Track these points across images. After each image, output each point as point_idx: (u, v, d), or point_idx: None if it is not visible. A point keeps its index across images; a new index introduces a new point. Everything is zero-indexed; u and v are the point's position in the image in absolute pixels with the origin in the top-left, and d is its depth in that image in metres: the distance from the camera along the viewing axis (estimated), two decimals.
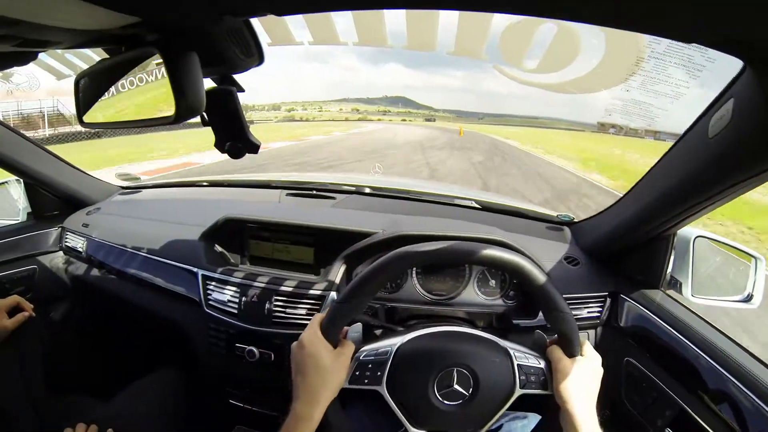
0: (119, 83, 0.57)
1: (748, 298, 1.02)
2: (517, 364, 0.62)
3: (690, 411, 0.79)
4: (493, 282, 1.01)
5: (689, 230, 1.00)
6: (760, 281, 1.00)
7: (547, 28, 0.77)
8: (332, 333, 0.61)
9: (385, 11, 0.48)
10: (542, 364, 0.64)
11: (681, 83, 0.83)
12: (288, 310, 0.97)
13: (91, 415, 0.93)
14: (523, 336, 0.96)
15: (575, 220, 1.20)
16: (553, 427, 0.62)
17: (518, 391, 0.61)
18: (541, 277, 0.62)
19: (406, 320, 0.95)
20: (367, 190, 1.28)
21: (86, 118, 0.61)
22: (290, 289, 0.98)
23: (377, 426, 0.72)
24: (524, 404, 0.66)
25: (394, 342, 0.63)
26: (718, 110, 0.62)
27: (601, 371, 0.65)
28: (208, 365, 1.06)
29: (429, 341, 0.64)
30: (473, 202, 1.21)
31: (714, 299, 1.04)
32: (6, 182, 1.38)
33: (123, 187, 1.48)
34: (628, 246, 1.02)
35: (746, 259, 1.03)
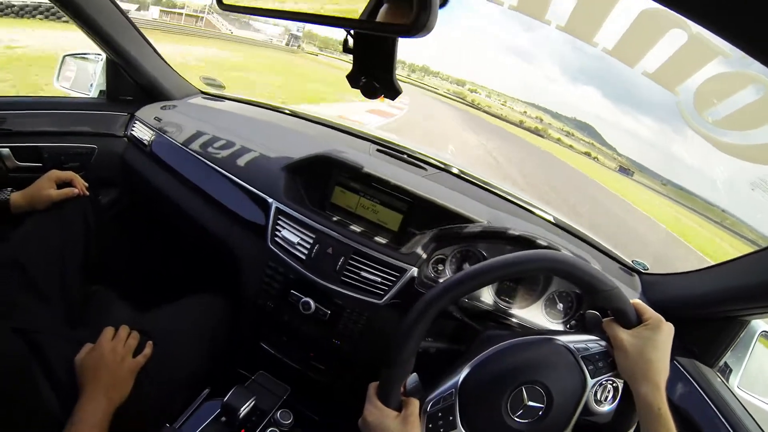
0: None
1: None
2: (581, 357, 0.61)
3: None
4: (560, 306, 0.99)
5: (758, 323, 1.00)
6: None
7: (755, 87, 0.75)
8: (392, 399, 0.59)
9: None
10: (604, 345, 0.63)
11: None
12: (362, 273, 0.92)
13: (124, 318, 0.90)
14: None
15: (649, 272, 1.19)
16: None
17: (591, 382, 0.61)
18: (580, 264, 0.61)
19: (473, 315, 0.92)
20: (455, 170, 1.22)
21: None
22: (371, 251, 0.93)
23: None
24: None
25: (454, 381, 0.61)
26: None
27: (666, 337, 0.61)
28: (255, 302, 1.02)
29: (488, 367, 0.62)
30: (551, 217, 1.19)
31: (756, 398, 1.05)
32: (87, 54, 1.32)
33: (203, 93, 1.42)
34: (701, 317, 1.01)
35: None
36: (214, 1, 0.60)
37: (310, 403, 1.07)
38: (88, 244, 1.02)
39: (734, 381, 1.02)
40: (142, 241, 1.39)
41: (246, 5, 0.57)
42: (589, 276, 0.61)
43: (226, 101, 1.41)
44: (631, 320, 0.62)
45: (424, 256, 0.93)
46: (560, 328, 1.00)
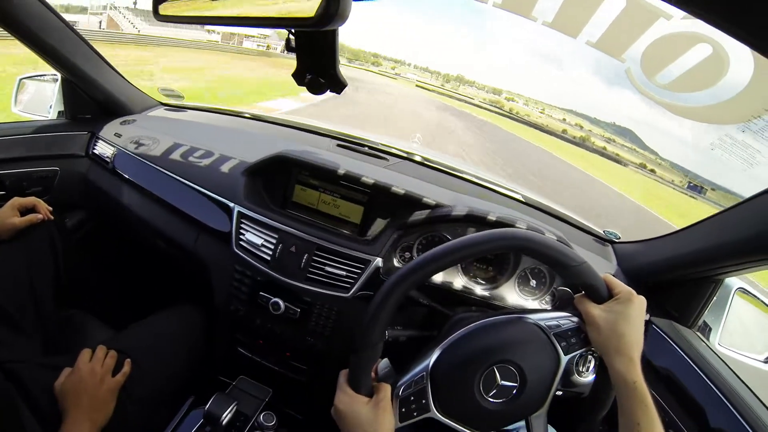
0: None
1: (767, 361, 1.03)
2: (553, 334, 0.61)
3: None
4: (533, 282, 0.99)
5: (733, 280, 1.00)
6: None
7: (701, 47, 0.74)
8: (362, 385, 0.59)
9: None
10: (576, 321, 0.63)
11: None
12: (327, 268, 0.92)
13: (100, 339, 0.89)
14: None
15: (621, 240, 1.19)
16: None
17: (564, 359, 0.60)
18: (546, 241, 0.60)
19: (439, 298, 0.92)
20: (418, 158, 1.22)
21: (163, 9, 0.55)
22: (334, 246, 0.93)
23: None
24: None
25: (425, 365, 0.60)
26: None
27: (638, 310, 0.60)
28: (227, 308, 1.02)
29: (458, 349, 0.62)
30: (520, 195, 1.17)
31: (737, 352, 1.05)
32: (43, 75, 1.31)
33: (164, 104, 1.40)
34: (674, 280, 1.01)
35: None
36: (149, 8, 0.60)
37: (293, 403, 1.07)
38: (58, 269, 1.01)
39: (715, 339, 1.02)
40: (112, 259, 1.38)
41: (181, 14, 0.57)
42: (556, 252, 0.60)
43: (188, 110, 1.40)
44: (602, 295, 0.61)
45: (388, 245, 0.93)
46: (535, 304, 1.00)
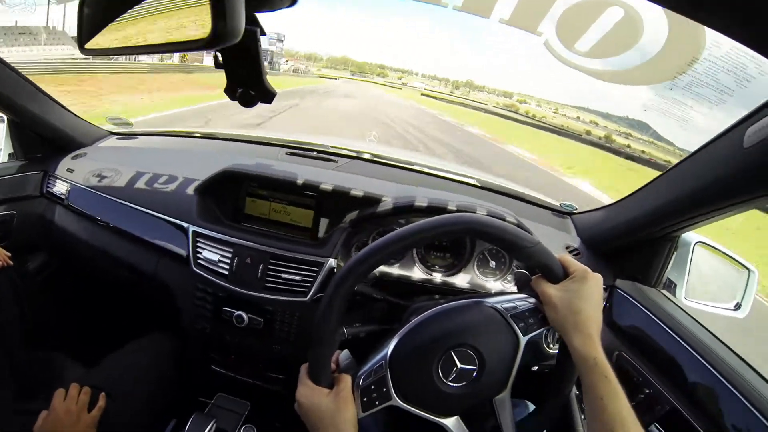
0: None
1: (737, 307, 1.05)
2: (510, 316, 0.61)
3: (679, 408, 0.80)
4: (493, 263, 0.99)
5: (691, 235, 1.01)
6: (751, 292, 1.03)
7: (614, 11, 0.73)
8: (322, 377, 0.59)
9: None
10: (533, 302, 0.63)
11: (726, 91, 0.82)
12: (283, 275, 0.93)
13: (74, 377, 0.89)
14: None
15: (578, 211, 1.20)
16: (545, 412, 0.62)
17: (523, 339, 0.60)
18: (495, 224, 0.59)
19: (400, 292, 0.92)
20: (367, 156, 1.23)
21: (89, 44, 0.54)
22: (286, 252, 0.93)
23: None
24: (517, 392, 0.65)
25: (383, 353, 0.60)
26: (758, 122, 0.62)
27: (595, 287, 0.60)
28: (194, 328, 1.02)
29: (415, 336, 0.62)
30: (474, 181, 1.18)
31: (705, 304, 1.06)
32: None
33: (113, 133, 1.39)
34: (632, 243, 1.02)
35: (741, 270, 1.05)
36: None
37: (272, 414, 1.07)
38: (23, 314, 1.01)
39: (681, 294, 1.03)
40: (79, 296, 1.38)
41: (106, 47, 0.56)
42: (509, 235, 0.59)
43: (139, 137, 1.40)
44: (558, 275, 0.61)
45: (339, 245, 0.93)
46: (497, 284, 1.00)
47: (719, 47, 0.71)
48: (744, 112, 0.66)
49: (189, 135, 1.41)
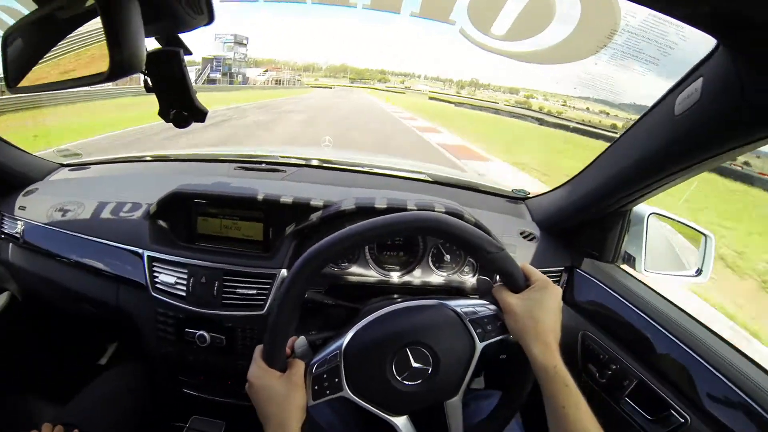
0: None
1: (698, 273, 1.06)
2: (469, 320, 0.61)
3: (646, 380, 0.81)
4: (448, 257, 1.00)
5: (644, 207, 1.02)
6: (710, 257, 1.04)
7: None
8: (276, 359, 0.58)
9: None
10: (493, 309, 0.63)
11: (651, 60, 0.82)
12: (238, 291, 0.93)
13: (46, 417, 0.88)
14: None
15: (530, 195, 1.20)
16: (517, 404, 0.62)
17: (480, 345, 0.60)
18: (460, 226, 0.59)
19: (358, 296, 0.92)
20: (315, 163, 1.23)
21: (17, 83, 0.55)
22: (239, 268, 0.93)
23: (367, 424, 0.69)
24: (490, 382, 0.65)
25: (338, 344, 0.60)
26: (686, 88, 0.62)
27: (553, 297, 0.61)
28: (159, 353, 1.01)
29: (372, 330, 0.62)
30: (425, 176, 1.18)
31: (666, 273, 1.08)
32: None
33: (64, 165, 1.37)
34: (585, 221, 1.03)
35: (697, 237, 1.06)
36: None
37: (248, 430, 1.07)
38: None
39: (640, 266, 1.04)
40: (46, 334, 1.36)
41: (33, 84, 0.57)
42: (475, 238, 0.59)
43: (90, 166, 1.38)
44: (519, 284, 0.61)
45: (290, 255, 0.93)
46: (455, 277, 1.00)
47: (635, 16, 0.71)
48: (673, 80, 0.67)
49: (140, 159, 1.39)
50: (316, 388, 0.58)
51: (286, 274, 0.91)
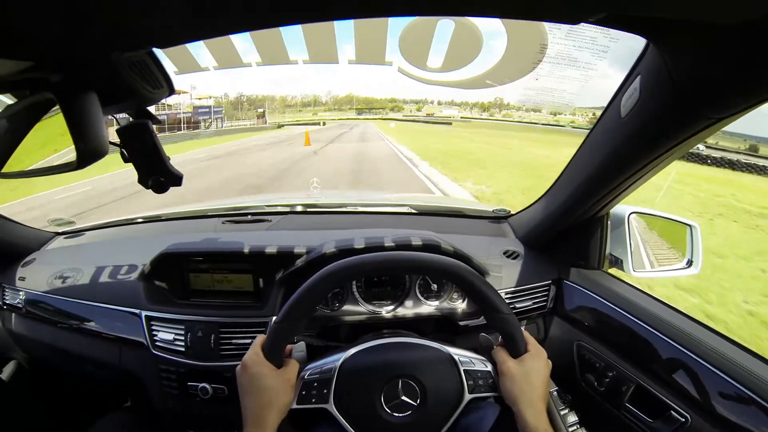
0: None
1: (689, 264, 1.05)
2: (464, 370, 0.63)
3: (645, 384, 0.81)
4: (434, 286, 1.02)
5: (622, 208, 1.03)
6: (698, 247, 1.04)
7: (444, 24, 0.76)
8: (274, 353, 0.60)
9: (281, 28, 0.47)
10: (489, 367, 0.64)
11: (588, 65, 0.84)
12: (234, 341, 0.95)
13: None
14: (471, 338, 0.96)
15: (511, 213, 1.21)
16: (511, 419, 0.63)
17: (467, 396, 0.62)
18: (475, 280, 0.63)
19: (351, 336, 0.95)
20: (300, 209, 1.27)
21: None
22: (233, 319, 0.96)
23: None
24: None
25: (338, 358, 0.62)
26: (628, 89, 0.64)
27: (546, 367, 0.65)
28: (165, 408, 1.04)
29: (372, 354, 0.64)
30: (409, 208, 1.21)
31: (655, 271, 1.07)
32: None
33: (59, 233, 1.42)
34: (564, 231, 1.04)
35: (681, 229, 1.06)
36: None
37: None
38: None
39: (628, 268, 1.04)
40: (54, 400, 1.38)
41: (18, 170, 0.60)
42: (492, 295, 0.63)
43: (84, 233, 1.43)
44: (519, 349, 0.64)
45: (279, 302, 0.97)
46: (445, 305, 1.02)
47: (560, 28, 0.73)
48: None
49: (131, 222, 1.44)
50: (303, 393, 0.59)
51: None
